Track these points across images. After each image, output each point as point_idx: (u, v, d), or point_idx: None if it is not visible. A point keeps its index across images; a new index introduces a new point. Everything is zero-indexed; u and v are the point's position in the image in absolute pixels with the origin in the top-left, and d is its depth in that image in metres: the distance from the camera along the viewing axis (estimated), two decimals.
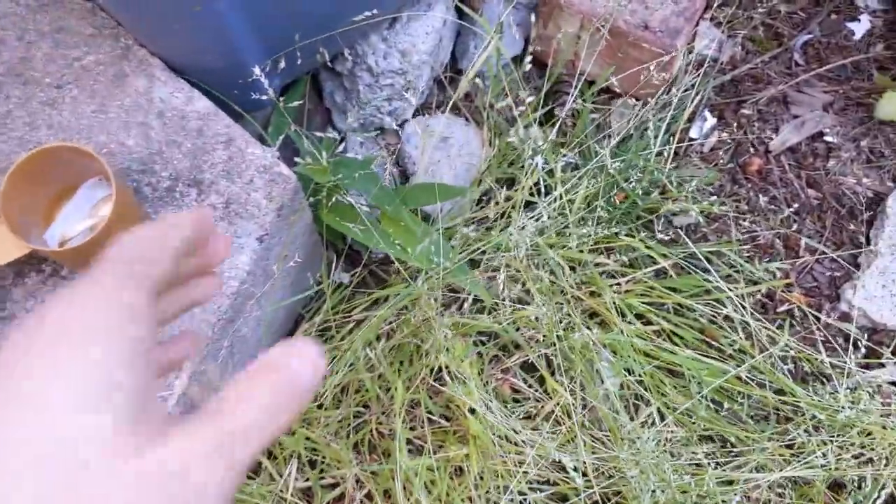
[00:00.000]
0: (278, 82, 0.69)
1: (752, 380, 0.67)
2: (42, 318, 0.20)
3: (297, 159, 0.70)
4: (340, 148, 0.83)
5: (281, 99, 0.69)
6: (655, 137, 0.75)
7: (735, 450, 0.64)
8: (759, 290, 0.73)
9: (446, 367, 0.73)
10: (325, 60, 0.67)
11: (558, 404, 0.67)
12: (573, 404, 0.68)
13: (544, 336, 0.70)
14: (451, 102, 0.82)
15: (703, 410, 0.61)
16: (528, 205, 0.79)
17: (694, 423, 0.62)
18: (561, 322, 0.69)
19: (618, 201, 0.75)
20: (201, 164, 0.59)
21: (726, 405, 0.64)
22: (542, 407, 0.71)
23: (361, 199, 0.72)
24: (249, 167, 0.59)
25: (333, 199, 0.67)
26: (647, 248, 0.74)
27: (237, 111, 0.66)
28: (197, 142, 0.59)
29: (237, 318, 0.58)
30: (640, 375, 0.65)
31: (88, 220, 0.55)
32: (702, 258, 0.70)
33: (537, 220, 0.77)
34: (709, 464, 0.62)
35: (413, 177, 0.81)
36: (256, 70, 0.61)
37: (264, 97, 0.65)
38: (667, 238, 0.73)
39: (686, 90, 0.74)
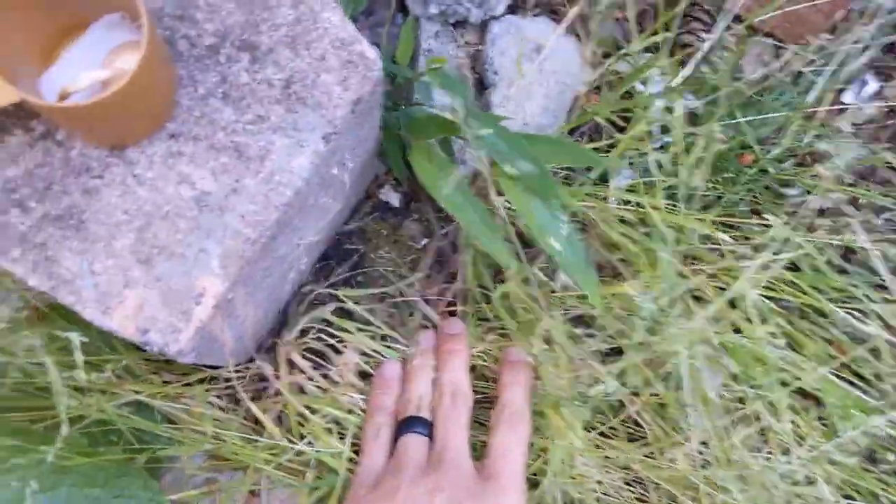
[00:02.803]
0: None
1: None
2: None
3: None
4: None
5: None
6: (803, 93, 0.61)
7: None
8: None
9: None
10: None
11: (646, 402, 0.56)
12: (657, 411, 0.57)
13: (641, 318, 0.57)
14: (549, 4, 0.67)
15: (842, 454, 0.49)
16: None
17: (831, 472, 0.51)
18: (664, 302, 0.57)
19: (744, 164, 0.62)
20: (259, 23, 0.44)
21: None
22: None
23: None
24: (322, 39, 0.44)
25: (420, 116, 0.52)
26: (789, 227, 0.61)
27: None
28: None
29: (279, 236, 0.45)
30: (756, 387, 0.53)
31: (100, 72, 0.40)
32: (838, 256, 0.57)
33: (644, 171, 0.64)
34: None
35: (493, 88, 0.66)
36: None
37: None
38: (796, 221, 0.60)
39: (854, 42, 0.60)
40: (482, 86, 0.68)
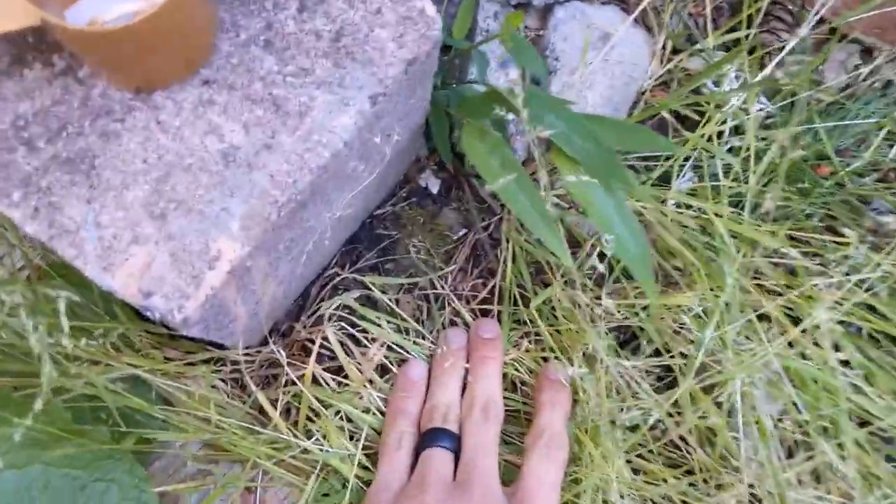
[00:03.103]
0: None
1: None
2: None
3: None
4: None
5: None
6: (892, 104, 0.55)
7: None
8: None
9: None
10: None
11: (693, 428, 0.50)
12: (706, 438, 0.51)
13: (694, 334, 0.52)
14: None
15: None
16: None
17: None
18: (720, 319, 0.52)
19: (820, 175, 0.56)
20: None
21: None
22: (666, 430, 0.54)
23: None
24: None
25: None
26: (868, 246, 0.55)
27: None
28: None
29: (310, 204, 0.40)
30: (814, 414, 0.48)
31: (132, 3, 0.36)
32: None
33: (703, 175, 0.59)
34: None
35: (553, 75, 0.61)
36: None
37: None
38: (876, 239, 0.54)
39: None
40: (535, 80, 0.63)
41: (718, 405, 0.53)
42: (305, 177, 0.37)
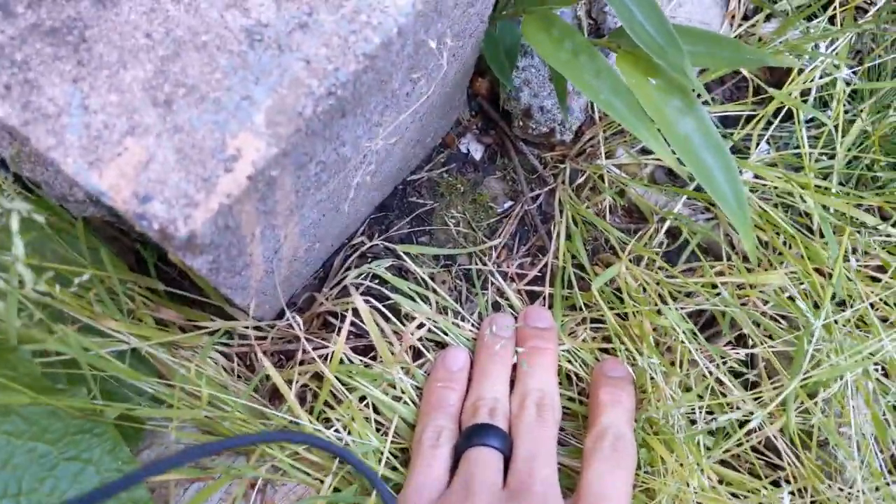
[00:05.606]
0: None
1: None
2: None
3: None
4: None
5: None
6: None
7: None
8: None
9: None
10: None
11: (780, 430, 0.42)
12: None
13: (785, 320, 0.44)
14: None
15: None
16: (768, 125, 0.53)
17: None
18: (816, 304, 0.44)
19: None
20: None
21: None
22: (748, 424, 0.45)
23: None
24: None
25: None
26: None
27: None
28: None
29: (350, 114, 0.33)
30: None
31: None
32: None
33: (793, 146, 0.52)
34: None
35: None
36: None
37: None
38: None
39: None
40: (598, 34, 0.56)
41: (812, 398, 0.45)
42: (349, 64, 0.30)
